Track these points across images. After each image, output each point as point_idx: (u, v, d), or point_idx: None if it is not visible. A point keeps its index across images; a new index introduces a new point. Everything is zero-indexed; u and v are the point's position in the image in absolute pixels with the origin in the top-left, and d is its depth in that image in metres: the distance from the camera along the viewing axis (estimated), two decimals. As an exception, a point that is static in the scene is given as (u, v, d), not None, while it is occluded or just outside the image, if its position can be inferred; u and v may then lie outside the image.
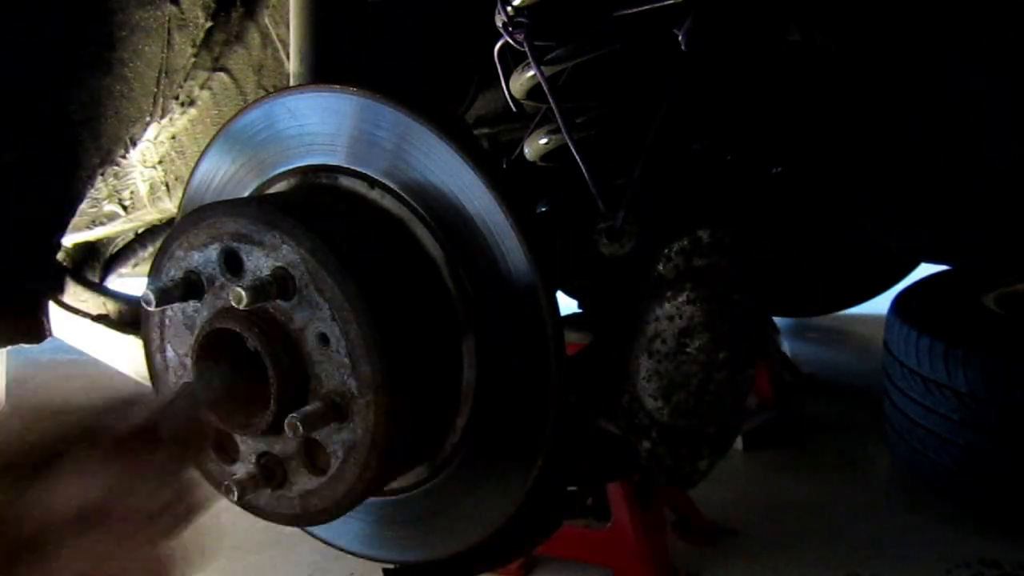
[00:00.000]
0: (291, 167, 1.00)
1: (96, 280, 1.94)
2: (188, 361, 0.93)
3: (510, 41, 1.09)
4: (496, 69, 1.22)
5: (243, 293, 0.81)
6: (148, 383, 1.01)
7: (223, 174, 1.07)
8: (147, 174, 1.70)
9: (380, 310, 0.82)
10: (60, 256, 1.70)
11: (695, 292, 1.07)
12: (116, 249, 1.98)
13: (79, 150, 1.40)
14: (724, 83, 1.29)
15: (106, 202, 1.69)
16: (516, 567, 2.29)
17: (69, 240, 1.85)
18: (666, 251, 1.09)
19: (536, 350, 0.91)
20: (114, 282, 2.02)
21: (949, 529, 2.44)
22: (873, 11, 1.72)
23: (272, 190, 1.02)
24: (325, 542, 1.09)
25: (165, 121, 1.55)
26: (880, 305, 3.30)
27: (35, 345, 1.50)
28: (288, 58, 1.23)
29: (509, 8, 1.06)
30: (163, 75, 1.43)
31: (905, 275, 3.59)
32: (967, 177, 2.05)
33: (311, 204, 0.95)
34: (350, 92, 0.94)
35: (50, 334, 1.53)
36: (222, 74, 1.53)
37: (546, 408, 0.92)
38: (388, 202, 0.93)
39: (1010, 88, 1.79)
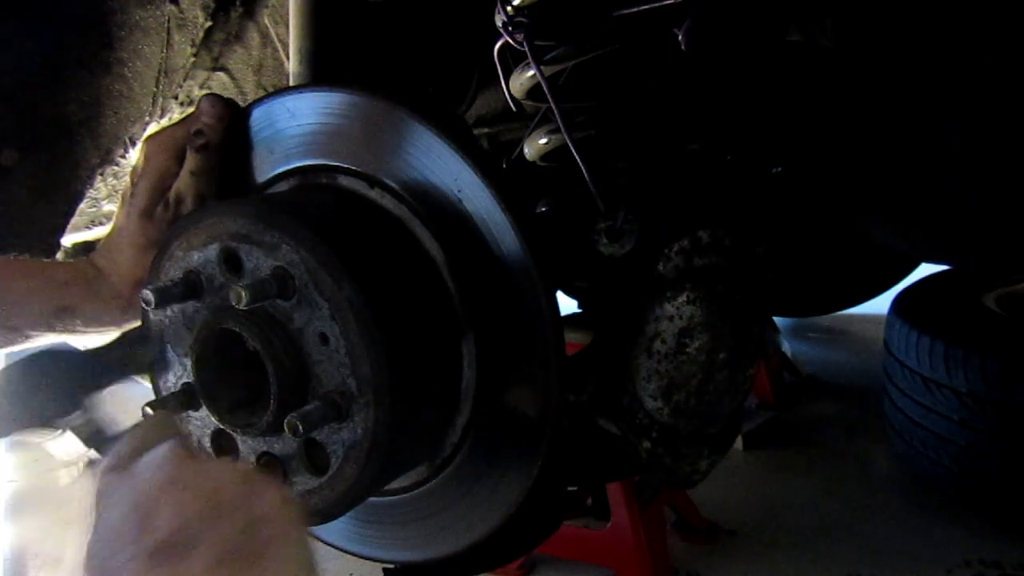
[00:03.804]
0: (291, 167, 1.00)
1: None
2: (188, 361, 0.93)
3: (510, 41, 1.09)
4: (496, 69, 1.22)
5: (243, 293, 0.81)
6: (148, 383, 1.01)
7: (223, 174, 1.07)
8: (147, 174, 1.69)
9: (380, 310, 0.82)
10: (59, 256, 1.70)
11: (695, 292, 1.07)
12: (116, 249, 1.97)
13: (78, 150, 1.40)
14: (724, 83, 1.29)
15: (106, 202, 1.69)
16: (516, 567, 2.29)
17: (69, 240, 1.84)
18: (666, 251, 1.09)
19: (536, 350, 0.91)
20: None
21: (949, 529, 2.44)
22: (873, 11, 1.71)
23: (272, 190, 1.02)
24: (324, 542, 1.09)
25: (164, 121, 1.55)
26: (880, 305, 3.30)
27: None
28: (288, 58, 1.22)
29: (509, 8, 1.06)
30: (162, 75, 1.43)
31: (905, 275, 3.59)
32: (967, 177, 2.05)
33: (311, 204, 0.95)
34: (350, 92, 0.94)
35: (50, 334, 1.52)
36: (221, 74, 1.53)
37: (546, 408, 0.92)
38: (388, 202, 0.93)
39: (1012, 86, 1.79)
